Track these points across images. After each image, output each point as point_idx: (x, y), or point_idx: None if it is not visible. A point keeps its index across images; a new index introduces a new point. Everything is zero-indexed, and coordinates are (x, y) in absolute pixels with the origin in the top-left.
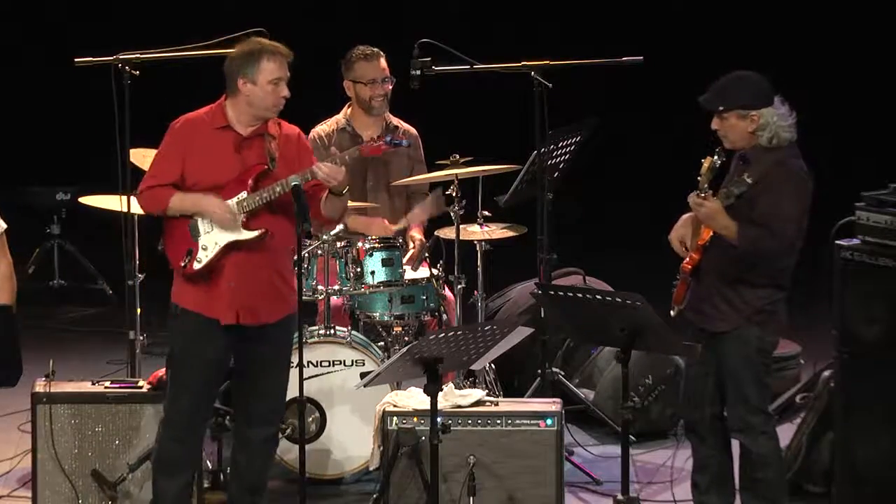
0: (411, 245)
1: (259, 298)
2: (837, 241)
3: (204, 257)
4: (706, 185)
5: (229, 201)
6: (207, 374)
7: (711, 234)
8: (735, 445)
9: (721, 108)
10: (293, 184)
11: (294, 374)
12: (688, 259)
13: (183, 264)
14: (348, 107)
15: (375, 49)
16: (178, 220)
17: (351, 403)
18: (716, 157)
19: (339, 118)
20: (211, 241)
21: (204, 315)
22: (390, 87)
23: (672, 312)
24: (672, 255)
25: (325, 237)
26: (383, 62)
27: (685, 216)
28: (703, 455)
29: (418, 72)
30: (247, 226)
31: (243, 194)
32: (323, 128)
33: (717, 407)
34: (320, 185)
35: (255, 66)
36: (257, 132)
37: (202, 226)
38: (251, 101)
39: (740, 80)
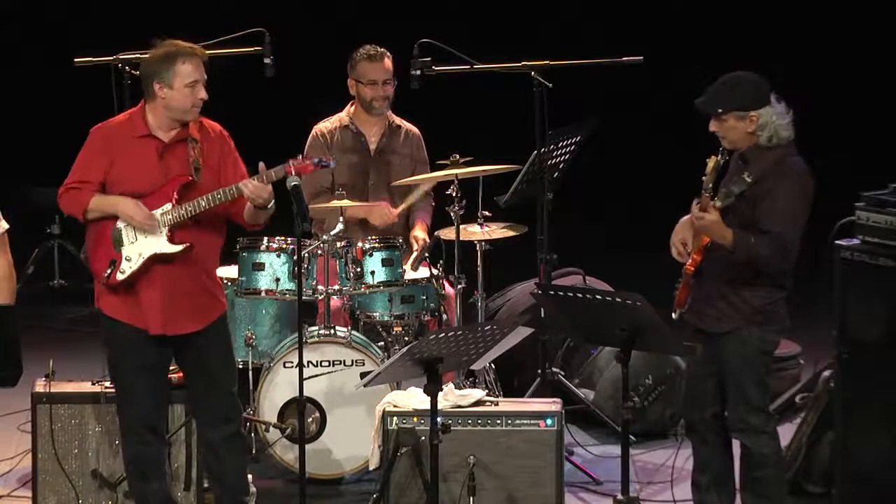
0: (415, 245)
1: (186, 310)
2: (837, 241)
3: (128, 268)
4: (710, 185)
5: (153, 212)
6: (148, 377)
7: None
8: (735, 445)
9: (719, 111)
10: (291, 185)
11: (292, 374)
12: (690, 261)
13: (106, 274)
14: (351, 105)
15: (381, 49)
16: (101, 228)
17: (351, 403)
18: (720, 157)
19: (342, 116)
20: (135, 252)
21: (129, 324)
22: (392, 89)
23: (674, 315)
24: (672, 256)
25: (325, 237)
26: (388, 63)
27: (684, 218)
28: (704, 455)
29: (418, 72)
30: (171, 239)
31: (167, 206)
32: (325, 125)
33: (717, 407)
34: (242, 198)
35: (170, 70)
36: (179, 137)
37: (126, 236)
38: (168, 105)
39: (737, 82)
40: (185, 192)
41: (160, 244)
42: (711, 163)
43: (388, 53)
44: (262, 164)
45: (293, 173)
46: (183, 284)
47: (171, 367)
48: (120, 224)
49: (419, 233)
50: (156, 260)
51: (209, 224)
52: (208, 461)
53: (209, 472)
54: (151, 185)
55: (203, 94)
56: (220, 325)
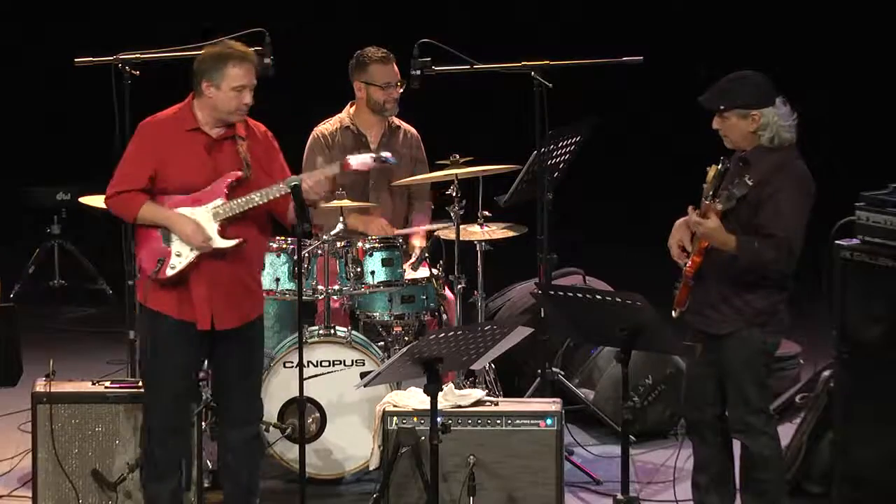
0: (413, 252)
1: (234, 302)
2: (837, 241)
3: (178, 263)
4: (710, 194)
5: (204, 207)
6: (182, 377)
7: None
8: (736, 446)
9: (722, 108)
10: (292, 184)
11: (294, 374)
12: (690, 263)
13: (155, 269)
14: (352, 105)
15: (388, 52)
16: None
17: (351, 403)
18: (720, 166)
19: (342, 117)
20: (185, 247)
21: (176, 319)
22: (401, 91)
23: (674, 314)
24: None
25: (325, 237)
26: (395, 65)
27: (680, 220)
28: (704, 455)
29: (418, 72)
30: (223, 234)
31: (219, 201)
32: (326, 126)
33: (718, 408)
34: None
35: (220, 72)
36: (227, 134)
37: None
38: (215, 105)
39: (741, 80)
40: (235, 187)
41: (213, 239)
42: (712, 171)
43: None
44: (320, 159)
45: (352, 168)
46: (231, 280)
47: None
48: None
49: (415, 241)
50: (206, 255)
51: (256, 222)
52: (224, 459)
53: (224, 469)
54: (200, 180)
55: (248, 100)
56: (257, 325)
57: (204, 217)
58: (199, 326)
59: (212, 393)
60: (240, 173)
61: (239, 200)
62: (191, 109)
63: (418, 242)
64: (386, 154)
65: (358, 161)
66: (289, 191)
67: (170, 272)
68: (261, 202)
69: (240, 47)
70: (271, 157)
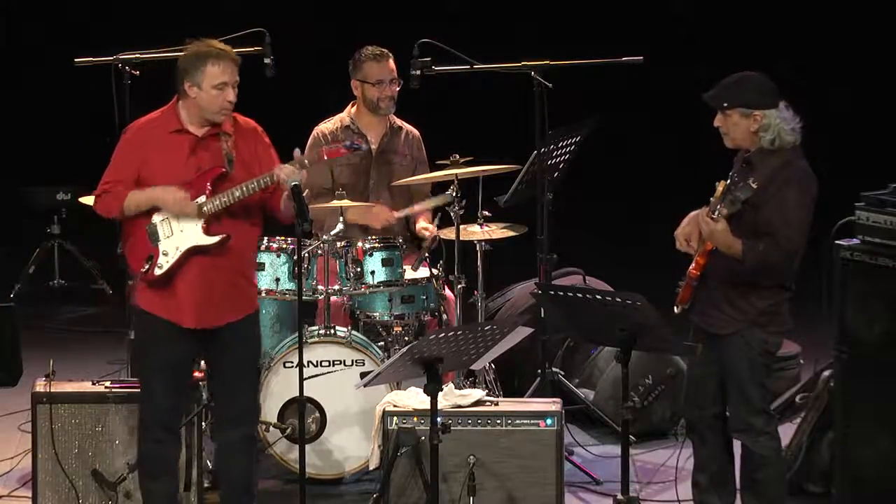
0: (426, 235)
1: (222, 301)
2: (837, 241)
3: (165, 262)
4: (717, 208)
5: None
6: (174, 375)
7: None
8: (736, 445)
9: (725, 105)
10: (292, 184)
11: (294, 374)
12: (694, 265)
13: (144, 269)
14: (352, 105)
15: (385, 50)
16: (137, 224)
17: (351, 403)
18: (729, 182)
19: (343, 117)
20: (172, 245)
21: (164, 318)
22: (397, 89)
23: (676, 310)
24: (672, 254)
25: (325, 237)
26: (391, 63)
27: (691, 214)
28: (704, 455)
29: (418, 72)
30: (207, 231)
31: (202, 198)
32: (327, 125)
33: (718, 407)
34: (279, 187)
35: (199, 70)
36: (212, 133)
37: (162, 231)
38: (198, 105)
39: (746, 80)
40: (218, 183)
41: (196, 236)
42: (720, 187)
43: (390, 53)
44: (296, 150)
45: (326, 158)
46: (218, 277)
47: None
48: (155, 219)
49: (426, 223)
50: (193, 253)
51: (244, 217)
52: (219, 458)
53: (218, 469)
54: (184, 179)
55: (231, 97)
56: (249, 323)
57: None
58: (185, 324)
59: (209, 392)
60: (222, 169)
61: (220, 196)
62: (175, 111)
63: (429, 225)
64: (358, 142)
65: (329, 150)
66: (270, 182)
67: (158, 272)
68: (242, 196)
69: (218, 45)
70: (261, 153)
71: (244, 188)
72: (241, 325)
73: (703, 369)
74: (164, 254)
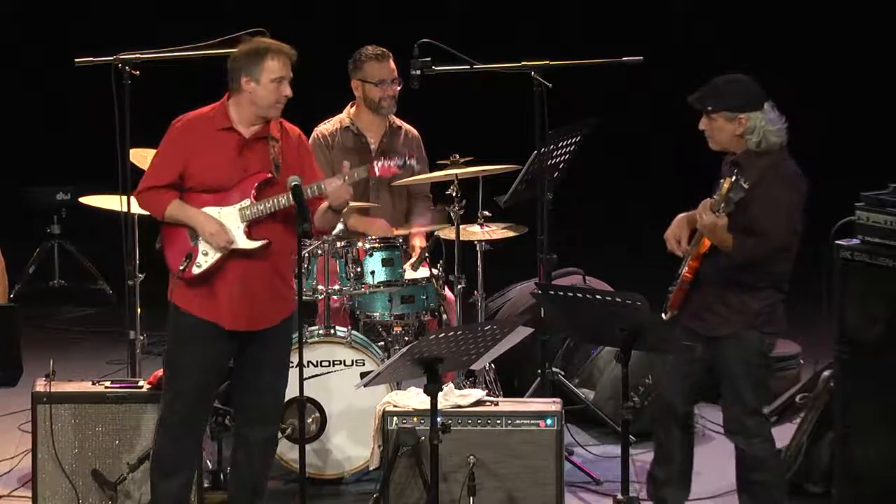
0: (413, 252)
1: (260, 303)
2: (837, 241)
3: (204, 262)
4: (721, 205)
5: (232, 207)
6: (205, 377)
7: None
8: (729, 447)
9: (709, 109)
10: (293, 184)
11: (294, 374)
12: (687, 268)
13: (182, 268)
14: (352, 106)
15: (385, 49)
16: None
17: (351, 403)
18: (734, 178)
19: (342, 117)
20: (211, 246)
21: (204, 319)
22: (399, 88)
23: (665, 316)
24: (671, 255)
25: (325, 237)
26: (392, 63)
27: (680, 216)
28: (668, 450)
29: (418, 72)
30: (249, 234)
31: (246, 202)
32: (326, 126)
33: (689, 407)
34: (320, 198)
35: (258, 65)
36: (260, 134)
37: None
38: (254, 100)
39: (731, 83)
40: (263, 188)
41: (239, 239)
42: (727, 184)
43: (391, 53)
44: (345, 164)
45: (378, 175)
46: (256, 281)
47: None
48: None
49: (417, 241)
50: (233, 255)
51: (284, 223)
52: (237, 458)
53: (234, 467)
54: (229, 180)
55: (287, 91)
56: (284, 327)
57: (231, 217)
58: (226, 327)
59: (234, 390)
60: (268, 174)
61: (266, 202)
62: (225, 108)
63: (419, 242)
64: (410, 161)
65: (382, 167)
66: (318, 192)
67: (196, 270)
68: (288, 204)
69: (275, 41)
70: (303, 161)
71: (289, 196)
72: (276, 329)
73: (686, 367)
74: (203, 253)
